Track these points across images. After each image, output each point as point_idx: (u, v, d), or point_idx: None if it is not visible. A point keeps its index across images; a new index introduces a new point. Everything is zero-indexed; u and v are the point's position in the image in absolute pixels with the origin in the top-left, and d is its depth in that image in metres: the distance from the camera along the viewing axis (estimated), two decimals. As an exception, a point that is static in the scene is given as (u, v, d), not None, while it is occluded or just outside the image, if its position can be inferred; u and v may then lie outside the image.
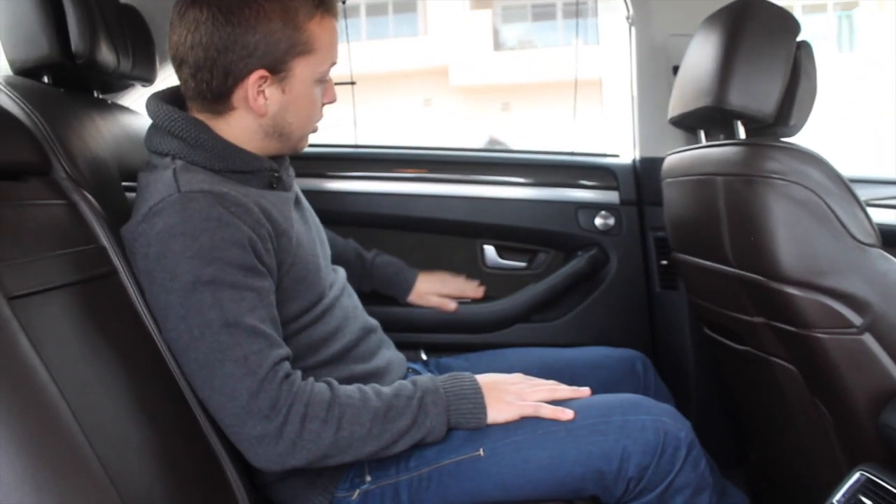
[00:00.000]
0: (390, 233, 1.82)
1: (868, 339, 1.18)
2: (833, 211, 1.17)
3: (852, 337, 1.18)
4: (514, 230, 1.88)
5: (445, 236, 1.87)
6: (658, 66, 1.80)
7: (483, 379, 1.22)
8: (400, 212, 1.85)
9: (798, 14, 1.33)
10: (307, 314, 1.23)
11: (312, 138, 1.31)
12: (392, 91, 13.02)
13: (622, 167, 1.89)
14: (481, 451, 1.17)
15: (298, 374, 1.11)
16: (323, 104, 1.26)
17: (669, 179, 1.52)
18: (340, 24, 1.26)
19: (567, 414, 1.18)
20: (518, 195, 1.88)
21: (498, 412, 1.19)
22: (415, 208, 1.86)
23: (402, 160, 1.92)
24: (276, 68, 1.15)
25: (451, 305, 1.74)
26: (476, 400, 1.18)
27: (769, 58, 1.27)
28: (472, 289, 1.79)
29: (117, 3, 1.44)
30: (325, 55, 1.19)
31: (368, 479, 1.21)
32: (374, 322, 1.40)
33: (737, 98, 1.28)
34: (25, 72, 1.35)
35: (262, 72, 1.15)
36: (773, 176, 1.19)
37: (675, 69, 1.56)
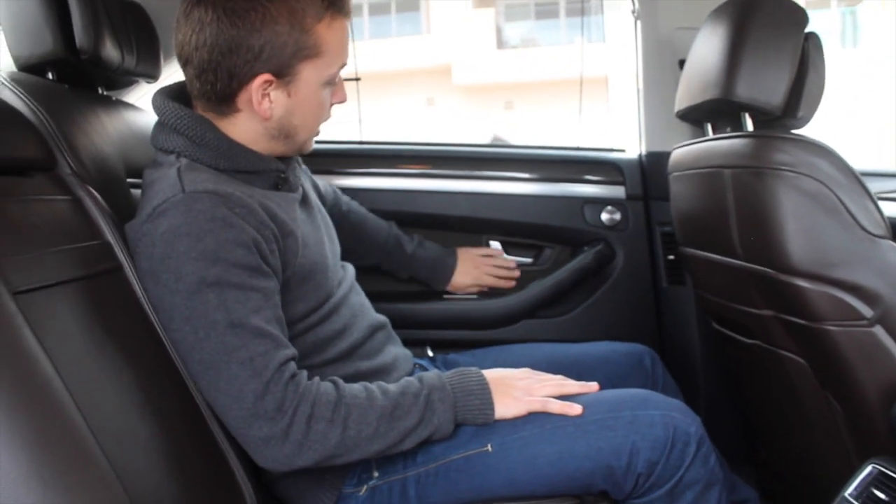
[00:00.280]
0: None
1: (879, 331, 1.17)
2: (843, 202, 1.16)
3: (863, 329, 1.18)
4: (519, 226, 1.87)
5: (451, 232, 1.86)
6: (664, 59, 1.79)
7: (490, 374, 1.21)
8: (405, 208, 1.85)
9: (801, 10, 1.32)
10: (314, 314, 1.22)
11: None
12: (395, 90, 13.03)
13: (628, 162, 1.88)
14: (489, 447, 1.17)
15: (304, 374, 1.10)
16: (332, 104, 1.24)
17: (676, 173, 1.51)
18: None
19: (575, 409, 1.17)
20: (523, 191, 1.87)
21: (506, 408, 1.18)
22: (420, 204, 1.86)
23: (406, 156, 1.91)
24: (282, 72, 1.13)
25: (484, 289, 1.82)
26: (483, 396, 1.18)
27: (777, 49, 1.26)
28: (507, 279, 1.83)
29: (122, 0, 1.44)
30: (334, 58, 1.17)
31: (376, 474, 1.20)
32: (381, 318, 1.39)
33: (745, 90, 1.27)
34: (30, 68, 1.34)
35: (266, 76, 1.13)
36: (783, 168, 1.18)
37: (682, 63, 1.55)
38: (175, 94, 1.22)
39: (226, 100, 1.16)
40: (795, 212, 1.18)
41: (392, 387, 1.15)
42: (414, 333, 1.62)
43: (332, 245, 1.33)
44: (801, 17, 1.29)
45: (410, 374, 1.34)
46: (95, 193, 1.16)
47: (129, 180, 1.33)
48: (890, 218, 1.21)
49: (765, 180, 1.20)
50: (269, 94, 1.15)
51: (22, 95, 1.19)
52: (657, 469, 1.14)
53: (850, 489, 1.16)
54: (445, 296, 1.82)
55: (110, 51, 1.35)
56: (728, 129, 1.48)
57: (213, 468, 1.10)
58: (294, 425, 1.06)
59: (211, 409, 1.10)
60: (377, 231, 1.66)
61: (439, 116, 14.14)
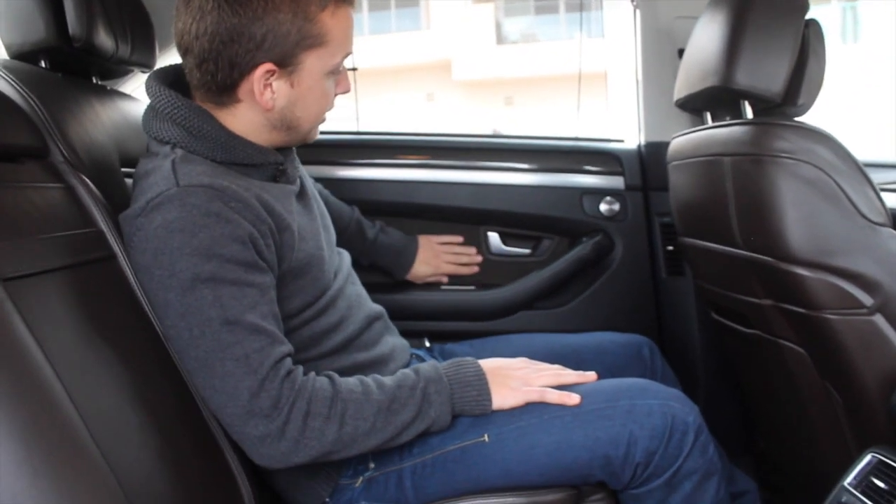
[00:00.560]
0: (393, 220, 1.80)
1: (879, 319, 1.17)
2: (843, 190, 1.15)
3: (863, 318, 1.17)
4: (518, 216, 1.86)
5: (449, 223, 1.86)
6: (663, 49, 1.79)
7: (487, 364, 1.20)
8: (403, 198, 1.84)
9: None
10: (310, 308, 1.21)
11: (316, 128, 1.27)
12: (395, 86, 13.01)
13: (627, 152, 1.87)
14: (486, 437, 1.16)
15: (300, 370, 1.09)
16: (336, 94, 1.22)
17: (676, 162, 1.50)
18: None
19: (573, 398, 1.16)
20: (522, 181, 1.87)
21: (503, 398, 1.17)
22: (418, 195, 1.85)
23: (404, 146, 1.90)
24: (285, 62, 1.11)
25: (444, 278, 1.81)
26: (480, 386, 1.17)
27: (777, 36, 1.25)
28: (468, 264, 1.83)
29: None
30: (339, 47, 1.15)
31: (372, 466, 1.20)
32: (378, 309, 1.38)
33: (744, 77, 1.26)
34: (22, 56, 1.33)
35: (269, 65, 1.10)
36: (782, 155, 1.17)
37: (681, 52, 1.54)
38: (170, 79, 1.19)
39: (227, 90, 1.14)
40: (795, 199, 1.17)
41: (388, 380, 1.14)
42: (412, 325, 1.61)
43: (327, 235, 1.32)
44: (801, 3, 1.27)
45: (407, 364, 1.33)
46: (88, 182, 1.15)
47: (123, 170, 1.32)
48: (891, 208, 1.20)
49: (764, 167, 1.19)
50: (271, 85, 1.13)
51: (14, 83, 1.17)
52: (655, 459, 1.13)
53: (850, 478, 1.15)
54: (443, 286, 1.81)
55: (104, 39, 1.33)
56: (727, 118, 1.47)
57: (209, 459, 1.09)
58: (290, 423, 1.05)
59: (208, 405, 1.09)
60: (340, 214, 1.62)
61: (439, 112, 14.14)
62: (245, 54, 1.10)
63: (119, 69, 1.50)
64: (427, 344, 1.55)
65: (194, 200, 1.05)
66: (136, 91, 1.69)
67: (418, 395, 1.13)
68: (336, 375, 1.13)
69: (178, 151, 1.13)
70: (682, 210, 1.53)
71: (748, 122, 1.28)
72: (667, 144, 1.57)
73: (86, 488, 0.81)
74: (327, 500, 1.20)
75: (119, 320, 1.05)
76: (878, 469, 1.13)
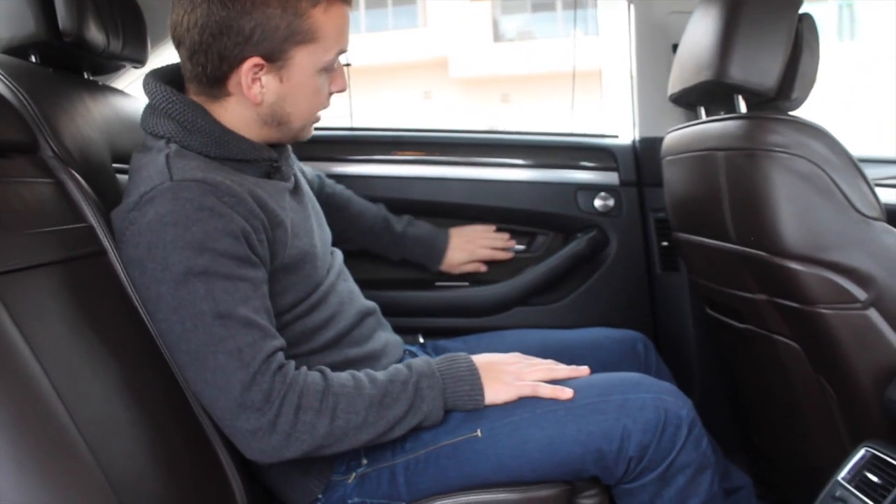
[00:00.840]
0: None
1: (872, 314, 1.17)
2: (836, 184, 1.15)
3: (857, 312, 1.17)
4: (512, 212, 1.86)
5: (444, 219, 1.85)
6: (657, 44, 1.78)
7: (479, 359, 1.20)
8: (398, 195, 1.83)
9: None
10: (302, 304, 1.21)
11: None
12: (391, 83, 13.00)
13: (621, 148, 1.87)
14: (479, 432, 1.16)
15: (291, 364, 1.09)
16: (331, 93, 1.22)
17: (670, 157, 1.50)
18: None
19: (566, 393, 1.16)
20: (517, 177, 1.86)
21: (496, 393, 1.17)
22: (413, 191, 1.85)
23: (400, 142, 1.90)
24: (273, 56, 1.12)
25: (483, 267, 1.77)
26: (473, 381, 1.17)
27: (771, 31, 1.25)
28: (503, 249, 1.79)
29: None
30: (331, 44, 1.15)
31: (364, 462, 1.19)
32: (371, 305, 1.38)
33: (738, 71, 1.26)
34: (12, 51, 1.32)
35: (256, 59, 1.11)
36: (775, 149, 1.17)
37: (675, 47, 1.53)
38: (167, 78, 1.20)
39: (217, 82, 1.14)
40: (789, 193, 1.16)
41: (380, 375, 1.14)
42: (406, 321, 1.61)
43: (321, 233, 1.31)
44: (794, -3, 1.27)
45: (400, 360, 1.33)
46: (79, 177, 1.15)
47: (114, 165, 1.31)
48: (886, 204, 1.20)
49: (758, 162, 1.18)
50: (259, 79, 1.13)
51: (3, 78, 1.17)
52: (648, 452, 1.12)
53: (844, 473, 1.15)
54: (437, 283, 1.81)
55: (95, 34, 1.33)
56: (721, 113, 1.46)
57: (200, 457, 1.08)
58: (281, 416, 1.05)
59: (199, 399, 1.08)
60: (364, 212, 1.63)
61: (436, 110, 14.12)
62: (234, 47, 1.10)
63: (110, 64, 1.49)
64: (421, 340, 1.55)
65: (188, 194, 1.05)
66: (128, 87, 1.68)
67: (410, 389, 1.13)
68: (328, 370, 1.12)
69: (173, 146, 1.13)
70: (676, 205, 1.53)
71: (742, 117, 1.28)
72: (661, 140, 1.57)
73: (73, 484, 0.80)
74: (319, 496, 1.20)
75: (109, 316, 1.05)
76: (871, 463, 1.13)
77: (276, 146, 1.23)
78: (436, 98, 14.33)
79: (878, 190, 1.20)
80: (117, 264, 1.10)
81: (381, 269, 1.75)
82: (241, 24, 1.09)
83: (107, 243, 1.11)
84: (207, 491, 1.08)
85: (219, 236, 1.05)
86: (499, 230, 1.86)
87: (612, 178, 1.85)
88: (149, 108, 1.18)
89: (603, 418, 1.13)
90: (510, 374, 1.18)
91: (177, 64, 1.20)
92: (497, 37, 14.69)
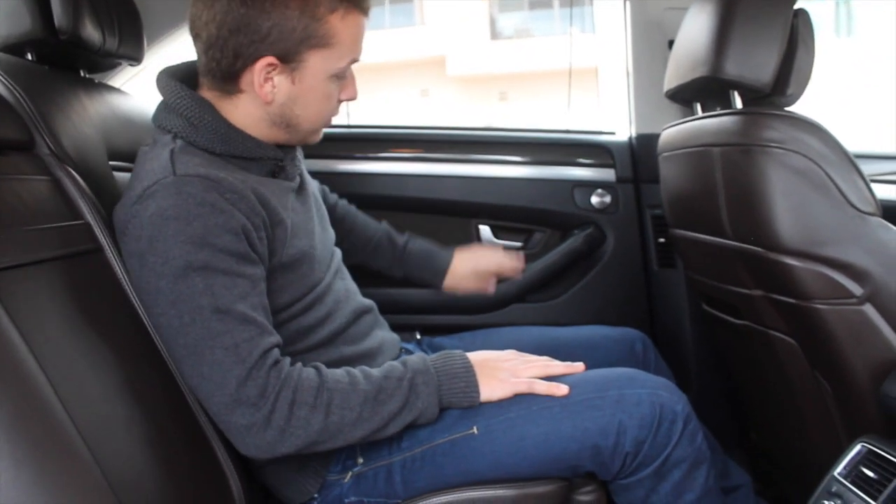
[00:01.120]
0: (385, 213, 1.79)
1: (868, 309, 1.17)
2: (832, 179, 1.15)
3: (852, 308, 1.17)
4: (509, 209, 1.86)
5: (441, 216, 1.86)
6: (653, 40, 1.79)
7: (475, 357, 1.19)
8: (395, 192, 1.84)
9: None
10: (298, 303, 1.21)
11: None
12: (389, 82, 12.98)
13: (618, 144, 1.87)
14: (475, 430, 1.15)
15: (287, 360, 1.09)
16: (340, 101, 1.22)
17: (666, 153, 1.50)
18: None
19: (562, 389, 1.16)
20: (514, 174, 1.87)
21: (491, 390, 1.17)
22: (410, 188, 1.85)
23: (396, 139, 1.90)
24: (288, 57, 1.12)
25: (491, 288, 1.60)
26: (468, 378, 1.16)
27: (766, 26, 1.25)
28: (511, 266, 1.58)
29: None
30: (345, 51, 1.15)
31: (360, 460, 1.19)
32: (368, 303, 1.38)
33: (733, 67, 1.26)
34: (8, 48, 1.32)
35: (270, 59, 1.12)
36: (771, 144, 1.17)
37: (671, 44, 1.53)
38: (180, 75, 1.20)
39: (230, 78, 1.15)
40: (784, 189, 1.17)
41: (375, 371, 1.14)
42: (404, 318, 1.61)
43: (323, 234, 1.31)
44: (789, -8, 1.27)
45: (396, 358, 1.33)
46: (75, 174, 1.15)
47: (111, 163, 1.31)
48: (882, 201, 1.20)
49: (753, 157, 1.18)
50: (272, 78, 1.14)
51: None
52: (644, 448, 1.13)
53: (840, 468, 1.15)
54: None
55: (91, 31, 1.33)
56: (717, 109, 1.46)
57: (197, 455, 1.09)
58: (276, 412, 1.05)
59: (194, 394, 1.09)
60: (366, 226, 1.59)
61: (434, 108, 14.11)
62: (249, 45, 1.11)
63: (107, 62, 1.49)
64: (418, 337, 1.55)
65: (190, 189, 1.06)
66: (125, 85, 1.68)
67: (405, 385, 1.13)
68: (322, 366, 1.12)
69: (178, 142, 1.14)
70: (672, 201, 1.53)
71: (737, 112, 1.28)
72: (657, 136, 1.57)
73: (71, 482, 0.80)
74: (315, 495, 1.20)
75: (106, 312, 1.05)
76: (867, 459, 1.13)
77: (284, 147, 1.23)
78: (433, 96, 14.31)
79: (875, 186, 1.20)
80: (114, 261, 1.11)
81: None
82: (258, 22, 1.10)
83: (103, 240, 1.11)
84: (205, 489, 1.08)
85: (219, 232, 1.05)
86: (495, 227, 1.86)
87: (608, 174, 1.85)
88: (162, 104, 1.19)
89: (599, 414, 1.13)
90: (506, 370, 1.18)
91: (191, 62, 1.21)
92: (494, 35, 14.67)
